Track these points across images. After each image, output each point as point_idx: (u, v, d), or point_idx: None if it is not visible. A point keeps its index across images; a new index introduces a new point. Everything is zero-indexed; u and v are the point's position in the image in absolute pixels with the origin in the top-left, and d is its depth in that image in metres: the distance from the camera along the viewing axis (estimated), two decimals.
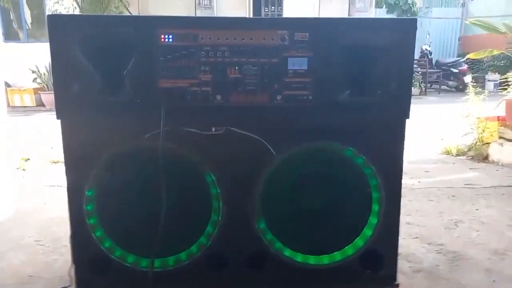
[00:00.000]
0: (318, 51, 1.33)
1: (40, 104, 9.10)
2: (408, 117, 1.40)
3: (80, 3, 9.05)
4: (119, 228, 1.43)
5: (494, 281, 1.81)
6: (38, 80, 9.06)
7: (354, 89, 1.38)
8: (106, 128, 1.37)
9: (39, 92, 9.07)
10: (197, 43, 1.32)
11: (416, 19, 1.38)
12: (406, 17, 1.41)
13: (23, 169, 3.84)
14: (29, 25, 9.84)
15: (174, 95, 1.34)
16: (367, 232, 1.46)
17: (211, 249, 1.45)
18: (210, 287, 1.51)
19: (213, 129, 1.39)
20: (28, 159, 4.19)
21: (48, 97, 8.95)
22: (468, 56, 4.68)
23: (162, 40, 1.31)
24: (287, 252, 1.47)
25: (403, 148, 1.44)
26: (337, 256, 1.47)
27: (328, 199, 1.46)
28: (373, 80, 1.38)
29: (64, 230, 2.34)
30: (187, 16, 1.34)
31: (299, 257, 1.47)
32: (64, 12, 8.94)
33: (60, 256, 2.06)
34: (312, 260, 1.48)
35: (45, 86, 9.04)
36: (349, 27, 1.34)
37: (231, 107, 1.36)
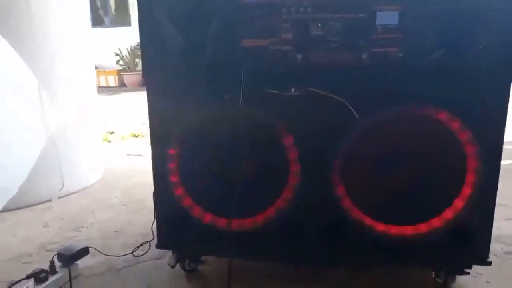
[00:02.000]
0: (411, 3, 1.21)
1: (122, 84, 9.77)
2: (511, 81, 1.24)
3: None
4: (199, 187, 1.47)
5: None
6: (121, 62, 9.70)
7: (451, 48, 1.25)
8: (189, 89, 1.40)
9: (121, 73, 9.71)
10: None
11: None
12: None
13: (109, 141, 4.15)
14: (113, 11, 10.50)
15: (255, 54, 1.32)
16: (458, 203, 1.33)
17: (288, 214, 1.43)
18: (285, 254, 1.49)
19: (293, 90, 1.35)
20: (113, 132, 4.52)
21: (130, 78, 9.58)
22: None
23: None
24: (368, 221, 1.40)
25: (506, 115, 1.28)
26: (423, 227, 1.37)
27: (417, 167, 1.36)
28: (471, 41, 1.23)
29: (146, 193, 2.51)
30: None
31: (380, 226, 1.39)
32: None
33: (142, 216, 2.20)
34: (394, 230, 1.39)
35: (127, 68, 9.65)
36: None
37: (313, 66, 1.30)
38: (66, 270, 1.53)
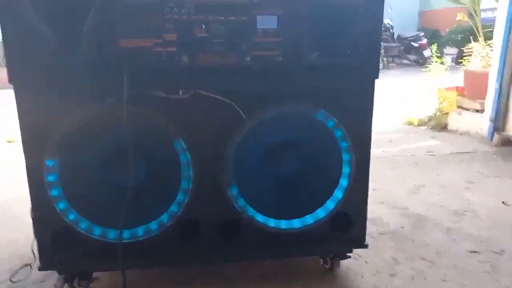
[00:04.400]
0: (288, 9, 1.29)
1: None
2: (377, 77, 1.40)
3: None
4: (84, 199, 1.36)
5: (454, 239, 1.90)
6: None
7: (324, 50, 1.36)
8: (64, 92, 1.28)
9: None
10: None
11: None
12: None
13: None
14: None
15: (137, 55, 1.26)
16: (338, 194, 1.46)
17: (182, 217, 1.41)
18: (182, 257, 1.48)
19: (180, 92, 1.33)
20: None
21: None
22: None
23: None
24: (260, 218, 1.45)
25: (372, 109, 1.45)
26: (309, 219, 1.48)
27: (299, 163, 1.45)
28: (342, 41, 1.36)
29: (25, 208, 2.24)
30: None
31: (272, 222, 1.46)
32: None
33: (21, 234, 1.96)
34: (284, 224, 1.47)
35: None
36: None
37: (198, 68, 1.30)
38: None
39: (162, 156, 1.38)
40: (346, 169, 1.45)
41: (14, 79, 1.26)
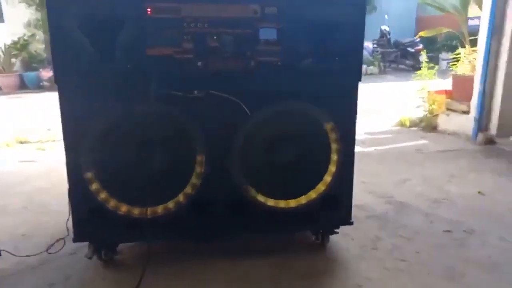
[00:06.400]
0: (286, 23, 1.56)
1: None
2: (360, 80, 1.67)
3: None
4: (114, 181, 1.62)
5: (431, 222, 2.16)
6: None
7: (316, 56, 1.63)
8: (100, 93, 1.55)
9: None
10: (180, 15, 1.51)
11: None
12: None
13: None
14: None
15: (161, 61, 1.53)
16: (327, 178, 1.73)
17: (195, 197, 1.68)
18: (195, 231, 1.74)
19: (196, 92, 1.60)
20: None
21: (5, 80, 8.60)
22: (420, 34, 5.06)
23: (149, 12, 1.49)
24: (261, 198, 1.71)
25: (357, 106, 1.71)
26: (303, 200, 1.74)
27: (295, 152, 1.72)
28: (331, 49, 1.63)
29: (47, 198, 2.51)
30: None
31: (271, 202, 1.72)
32: None
33: (49, 218, 2.22)
34: (281, 204, 1.74)
35: (2, 68, 8.71)
36: (309, 2, 1.58)
37: (211, 72, 1.57)
38: None
39: (179, 145, 1.65)
40: (334, 157, 1.71)
41: (58, 81, 1.53)
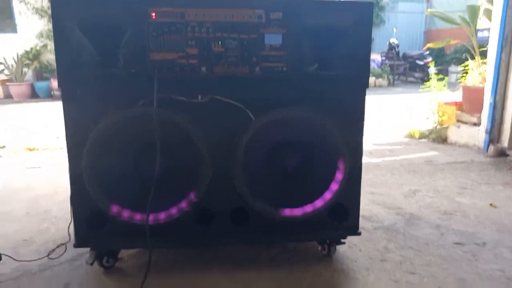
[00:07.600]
0: (291, 28, 1.54)
1: (8, 96, 8.93)
2: (367, 87, 1.63)
3: None
4: (117, 187, 1.60)
5: (442, 234, 2.10)
6: (6, 71, 8.89)
7: (322, 62, 1.61)
8: (103, 96, 1.53)
9: (7, 83, 8.90)
10: (184, 19, 1.50)
11: (372, 3, 1.61)
12: (364, 0, 1.55)
13: None
14: None
15: (164, 66, 1.52)
16: (334, 187, 1.68)
17: (199, 205, 1.64)
18: (198, 239, 1.70)
19: (199, 97, 1.58)
20: (4, 146, 4.24)
21: (16, 89, 8.78)
22: (428, 45, 5.03)
23: (153, 17, 1.48)
24: (266, 207, 1.67)
25: (364, 113, 1.67)
26: (309, 208, 1.69)
27: (301, 159, 1.68)
28: (337, 55, 1.61)
29: (50, 204, 2.49)
30: None
31: (276, 211, 1.68)
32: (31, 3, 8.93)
33: (51, 225, 2.20)
34: (287, 213, 1.69)
35: (14, 78, 8.87)
36: (316, 8, 1.55)
37: (215, 77, 1.55)
38: None
39: (182, 151, 1.62)
40: (341, 165, 1.67)
41: (62, 85, 1.52)
